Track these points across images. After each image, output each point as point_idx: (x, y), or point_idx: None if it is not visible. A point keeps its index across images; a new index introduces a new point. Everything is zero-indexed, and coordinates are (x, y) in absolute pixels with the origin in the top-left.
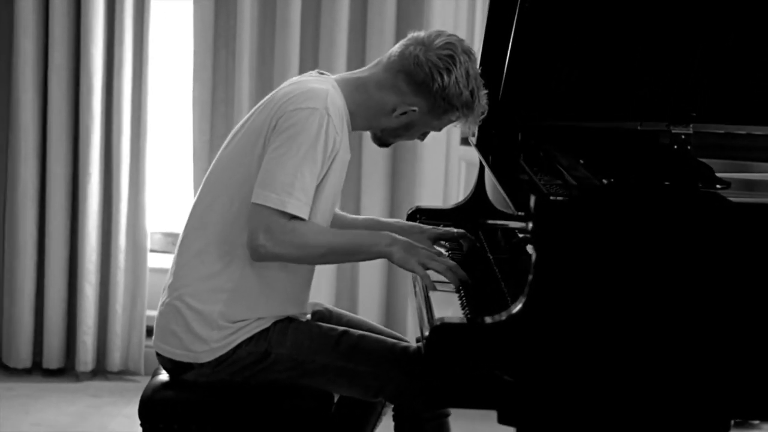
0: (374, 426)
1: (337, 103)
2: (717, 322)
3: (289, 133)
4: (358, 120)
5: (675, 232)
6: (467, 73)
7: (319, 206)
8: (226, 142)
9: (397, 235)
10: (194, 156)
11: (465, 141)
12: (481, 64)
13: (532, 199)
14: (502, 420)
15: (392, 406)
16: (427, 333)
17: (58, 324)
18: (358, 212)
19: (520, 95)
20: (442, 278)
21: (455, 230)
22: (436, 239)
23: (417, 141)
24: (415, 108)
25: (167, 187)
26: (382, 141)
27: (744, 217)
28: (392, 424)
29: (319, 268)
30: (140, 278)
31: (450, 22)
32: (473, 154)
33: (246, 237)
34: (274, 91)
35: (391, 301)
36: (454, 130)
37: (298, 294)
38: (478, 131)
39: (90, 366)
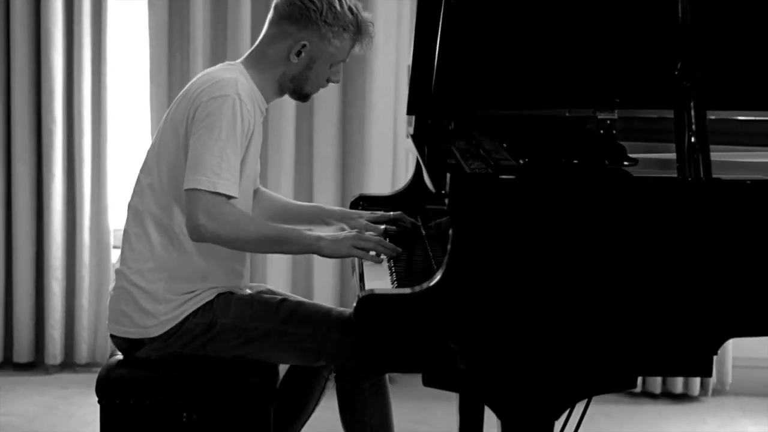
0: (318, 398)
1: (246, 88)
2: (619, 285)
3: (207, 122)
4: (268, 87)
5: (577, 204)
6: None
7: (241, 184)
8: (153, 137)
9: (320, 233)
10: None
11: None
12: (413, 58)
13: (448, 177)
14: (427, 383)
15: (335, 375)
16: (354, 305)
17: (26, 319)
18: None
19: (452, 86)
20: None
21: (392, 213)
22: (374, 222)
23: (365, 131)
24: (306, 42)
25: (128, 186)
26: (298, 93)
27: (645, 190)
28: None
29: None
30: (104, 273)
31: (393, 16)
32: None
33: (178, 220)
34: (188, 84)
35: (345, 289)
36: (400, 123)
37: (235, 268)
38: (415, 121)
39: (59, 359)
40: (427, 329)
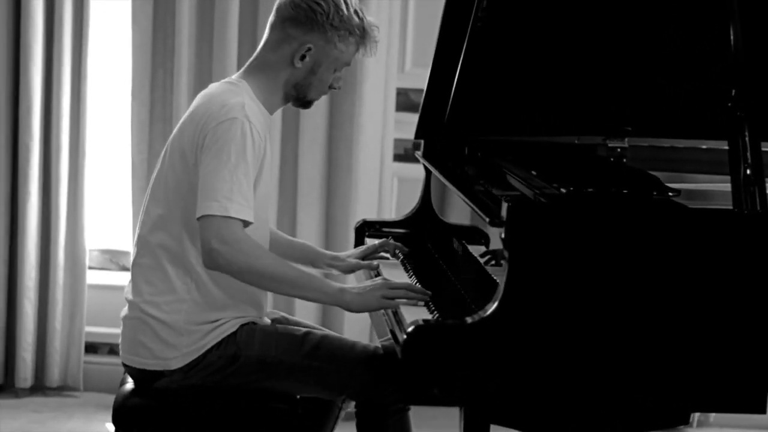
0: (333, 426)
1: (254, 109)
2: (676, 318)
3: (217, 147)
4: (272, 98)
5: (636, 236)
6: None
7: (255, 208)
8: (158, 163)
9: (344, 285)
10: (132, 174)
11: (398, 157)
12: (429, 84)
13: (504, 207)
14: (476, 414)
15: (352, 404)
16: (404, 336)
17: None
18: (294, 228)
19: (467, 112)
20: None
21: (376, 242)
22: (363, 258)
23: (354, 155)
24: (311, 45)
25: (105, 205)
26: (301, 100)
27: (702, 222)
28: (351, 424)
29: None
30: (79, 295)
31: (383, 38)
32: (406, 171)
33: (191, 250)
34: (193, 107)
35: (327, 308)
36: (387, 146)
37: (255, 297)
38: (424, 146)
39: (29, 382)
40: (482, 359)
